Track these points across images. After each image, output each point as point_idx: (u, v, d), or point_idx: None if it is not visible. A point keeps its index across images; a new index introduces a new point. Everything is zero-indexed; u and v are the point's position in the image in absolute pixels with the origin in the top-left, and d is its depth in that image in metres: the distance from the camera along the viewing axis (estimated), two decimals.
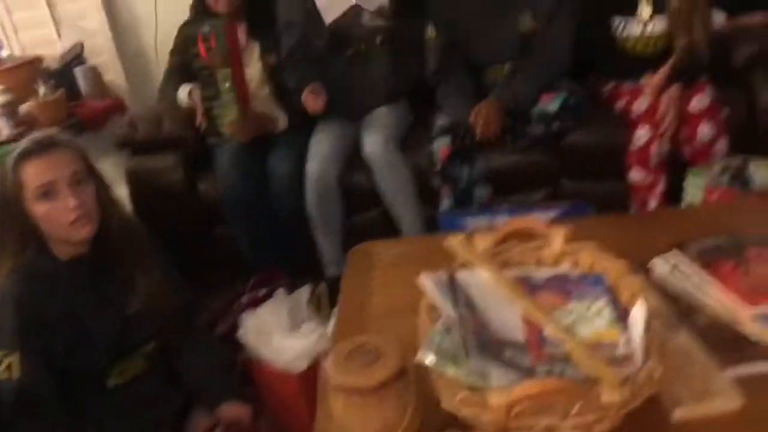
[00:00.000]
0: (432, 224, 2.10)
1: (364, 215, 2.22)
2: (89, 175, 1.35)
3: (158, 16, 2.59)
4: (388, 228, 2.15)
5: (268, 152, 2.19)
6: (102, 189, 1.37)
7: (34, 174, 1.27)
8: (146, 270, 1.40)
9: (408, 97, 2.31)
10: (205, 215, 2.24)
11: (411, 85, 2.30)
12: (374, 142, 2.12)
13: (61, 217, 1.28)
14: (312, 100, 2.10)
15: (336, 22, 2.17)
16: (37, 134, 1.33)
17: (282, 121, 2.24)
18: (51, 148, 1.29)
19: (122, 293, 1.38)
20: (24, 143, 1.30)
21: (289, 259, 2.14)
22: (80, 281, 1.35)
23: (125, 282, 1.39)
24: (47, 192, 1.27)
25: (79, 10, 2.69)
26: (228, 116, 2.09)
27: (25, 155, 1.28)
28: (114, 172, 2.25)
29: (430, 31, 2.17)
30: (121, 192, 2.08)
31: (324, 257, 2.19)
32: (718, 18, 2.19)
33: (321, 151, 2.14)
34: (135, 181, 2.19)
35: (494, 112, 2.02)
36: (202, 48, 2.03)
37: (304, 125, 2.24)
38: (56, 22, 2.70)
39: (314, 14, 2.18)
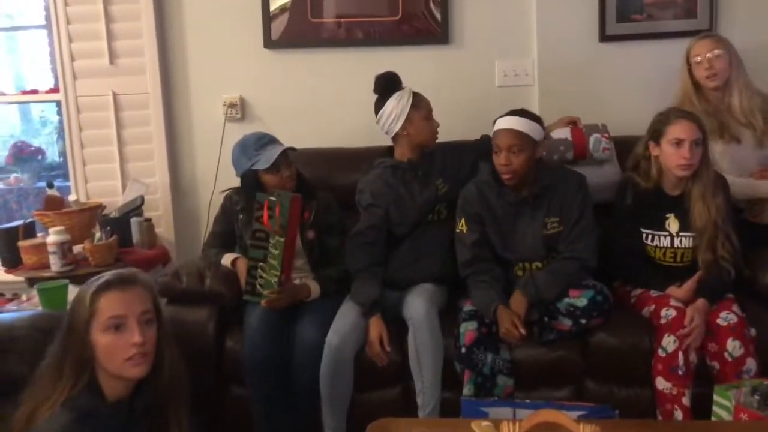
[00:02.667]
0: (449, 409, 2.08)
1: (378, 392, 2.21)
2: (156, 316, 1.41)
3: (217, 181, 2.81)
4: (401, 408, 2.16)
5: (297, 318, 2.25)
6: (163, 330, 1.43)
7: (109, 305, 1.34)
8: (180, 421, 1.42)
9: (449, 286, 2.36)
10: (227, 373, 2.24)
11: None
12: (419, 304, 2.18)
13: (122, 352, 1.33)
14: (377, 348, 2.16)
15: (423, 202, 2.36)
16: (120, 270, 1.43)
17: (315, 290, 2.32)
18: (131, 284, 1.38)
19: None
20: (107, 275, 1.39)
21: None
22: (119, 425, 1.35)
23: (158, 430, 1.39)
24: (118, 324, 1.34)
25: (147, 168, 2.95)
26: (269, 279, 2.18)
27: (106, 286, 1.36)
28: None
29: (462, 224, 2.28)
30: None
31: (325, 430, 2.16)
32: None
33: (344, 325, 2.19)
34: None
35: (516, 315, 2.08)
36: (266, 214, 2.18)
37: (335, 293, 2.32)
38: (124, 177, 2.95)
39: (402, 200, 2.36)
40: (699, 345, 2.01)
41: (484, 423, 1.02)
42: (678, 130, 2.15)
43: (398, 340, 2.19)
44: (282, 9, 2.89)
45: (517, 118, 2.20)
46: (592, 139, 2.52)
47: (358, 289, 2.28)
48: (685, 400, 1.96)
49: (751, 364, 1.96)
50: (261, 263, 2.20)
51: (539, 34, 2.84)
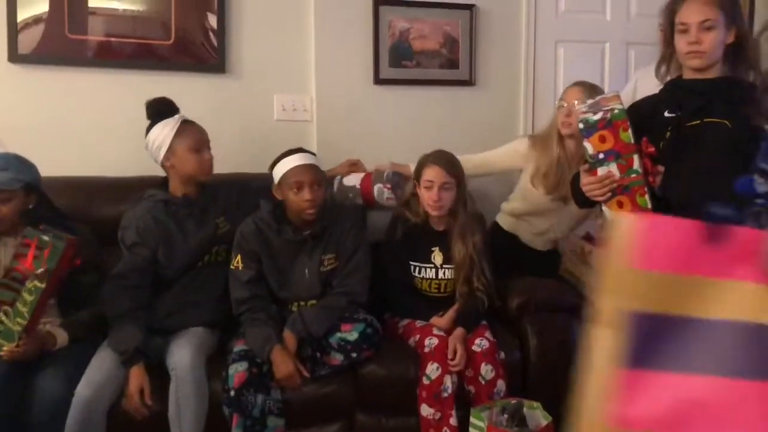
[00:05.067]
0: None
1: None
2: None
3: None
4: None
5: (38, 370, 1.95)
6: None
7: None
8: None
9: (221, 330, 2.23)
10: None
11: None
12: (184, 353, 2.01)
13: None
14: (137, 402, 1.95)
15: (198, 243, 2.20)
16: None
17: (62, 338, 2.04)
18: None
19: None
20: None
21: None
22: None
23: None
24: None
25: None
26: (11, 327, 1.90)
27: None
28: None
29: (238, 261, 2.19)
30: None
31: None
32: None
33: (98, 375, 1.95)
34: None
35: (294, 358, 2.06)
36: (31, 254, 1.88)
37: (87, 340, 2.07)
38: None
39: (173, 240, 2.17)
40: (460, 371, 2.12)
41: None
42: (430, 173, 2.32)
43: (162, 389, 2.00)
44: (36, 20, 2.59)
45: (309, 154, 2.22)
46: (375, 189, 2.56)
47: (117, 335, 2.05)
48: (453, 421, 2.06)
49: (501, 385, 2.12)
50: (6, 307, 1.90)
51: (317, 72, 2.89)
